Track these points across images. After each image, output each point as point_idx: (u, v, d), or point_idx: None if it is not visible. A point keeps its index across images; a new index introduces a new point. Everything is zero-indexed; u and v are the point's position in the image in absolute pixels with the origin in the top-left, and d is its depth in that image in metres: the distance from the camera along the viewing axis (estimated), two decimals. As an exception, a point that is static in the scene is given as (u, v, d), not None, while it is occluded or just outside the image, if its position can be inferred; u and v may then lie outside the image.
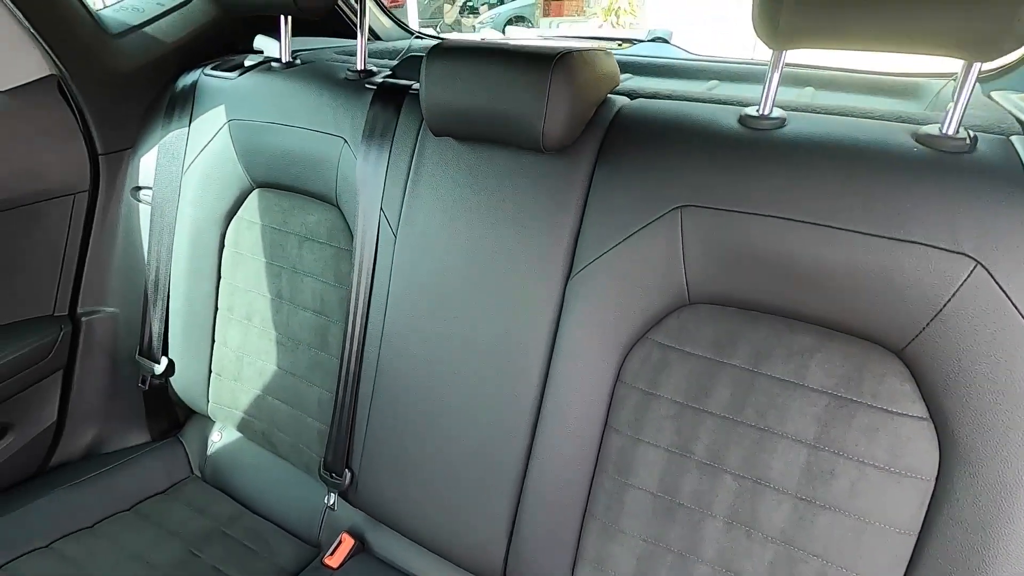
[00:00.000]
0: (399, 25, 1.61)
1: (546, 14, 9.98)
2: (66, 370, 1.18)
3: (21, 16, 0.96)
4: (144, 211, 1.16)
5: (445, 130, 0.81)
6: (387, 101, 0.92)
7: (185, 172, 1.11)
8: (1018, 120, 0.70)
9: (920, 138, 0.64)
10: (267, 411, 1.09)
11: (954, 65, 0.62)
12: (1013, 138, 0.64)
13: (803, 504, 0.67)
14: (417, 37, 1.57)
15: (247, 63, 1.11)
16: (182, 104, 1.12)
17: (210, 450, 1.24)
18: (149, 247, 1.15)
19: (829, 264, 0.63)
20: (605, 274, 0.75)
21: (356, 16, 1.43)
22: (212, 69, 1.12)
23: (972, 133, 0.63)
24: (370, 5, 1.40)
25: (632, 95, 0.85)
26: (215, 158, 1.07)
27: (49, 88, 1.05)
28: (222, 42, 1.23)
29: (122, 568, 0.99)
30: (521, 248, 0.80)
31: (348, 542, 1.02)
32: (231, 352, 1.12)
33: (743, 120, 0.72)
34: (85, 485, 1.13)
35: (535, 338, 0.80)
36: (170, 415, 1.30)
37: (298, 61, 1.09)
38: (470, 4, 10.43)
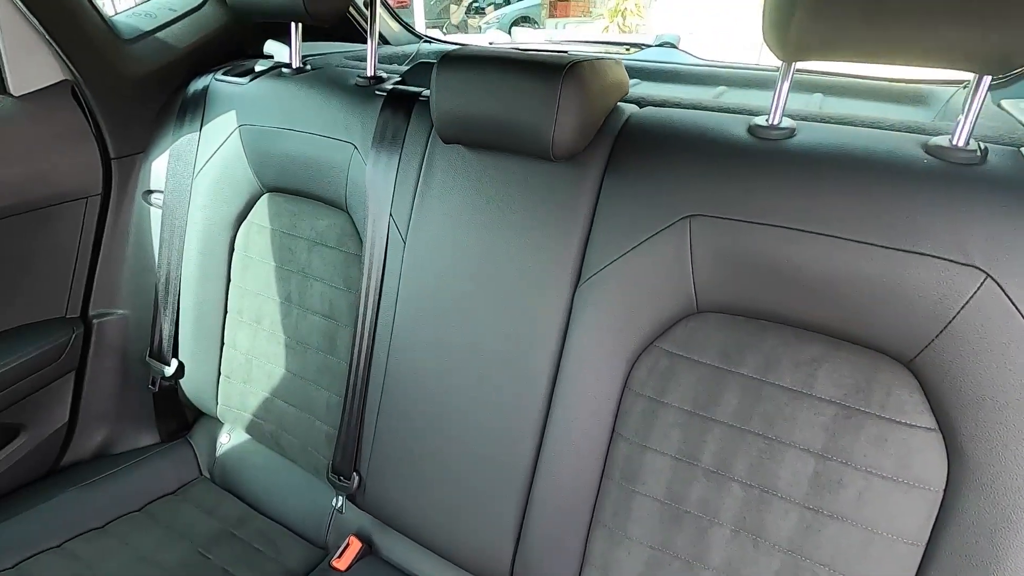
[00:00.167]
0: (407, 29, 1.61)
1: (552, 15, 9.98)
2: (78, 371, 1.19)
3: (36, 22, 0.98)
4: (155, 214, 1.18)
5: (455, 137, 0.82)
6: (397, 108, 0.93)
7: (196, 176, 1.12)
8: None
9: (930, 149, 0.64)
10: (276, 413, 1.10)
11: (963, 72, 0.62)
12: None
13: (810, 513, 0.67)
14: (426, 41, 1.58)
15: (257, 68, 1.12)
16: (193, 109, 1.13)
17: (219, 451, 1.25)
18: (160, 250, 1.16)
19: (838, 275, 0.64)
20: (614, 282, 0.75)
21: (365, 21, 1.45)
22: (223, 74, 1.13)
23: (983, 145, 0.63)
24: (379, 10, 1.41)
25: (641, 103, 0.86)
26: (226, 162, 1.08)
27: (63, 93, 1.06)
28: (232, 47, 1.24)
29: (133, 569, 1.00)
30: (529, 255, 0.80)
31: (356, 545, 1.03)
32: (240, 355, 1.13)
33: (752, 130, 0.72)
34: (96, 485, 1.14)
35: (543, 345, 0.80)
36: (179, 416, 1.31)
37: (308, 67, 1.10)
38: (476, 5, 10.44)
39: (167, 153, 1.14)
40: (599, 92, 0.76)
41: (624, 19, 8.03)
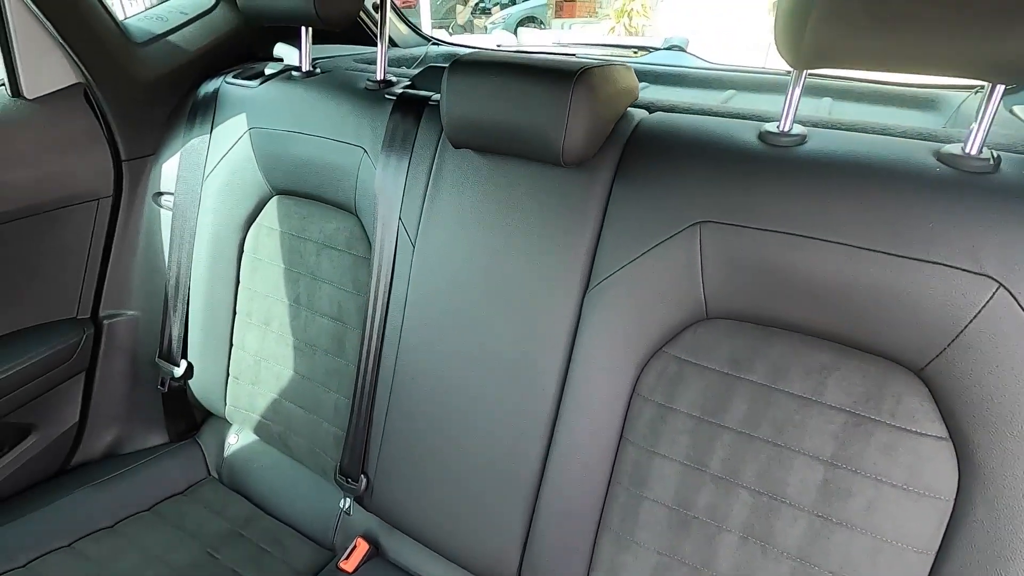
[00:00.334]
0: (415, 31, 1.62)
1: (558, 15, 9.98)
2: (88, 372, 1.20)
3: (50, 26, 0.98)
4: (165, 216, 1.18)
5: (465, 142, 0.82)
6: (407, 112, 0.93)
7: (206, 178, 1.12)
8: None
9: (943, 157, 0.64)
10: (284, 415, 1.11)
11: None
12: None
13: (819, 521, 0.67)
14: (433, 44, 1.58)
15: (267, 71, 1.12)
16: (204, 111, 1.13)
17: (227, 452, 1.26)
18: (170, 252, 1.17)
19: (849, 283, 0.63)
20: (623, 288, 0.75)
21: (373, 23, 1.45)
22: (233, 77, 1.13)
23: (996, 153, 0.63)
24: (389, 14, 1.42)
25: (650, 108, 0.86)
26: (236, 165, 1.09)
27: (75, 96, 1.07)
28: (243, 50, 1.25)
29: (143, 569, 1.00)
30: (539, 260, 0.80)
31: (363, 547, 1.04)
32: (249, 356, 1.13)
33: (763, 136, 0.72)
34: (105, 485, 1.15)
35: (551, 349, 0.80)
36: (188, 417, 1.32)
37: (318, 70, 1.10)
38: (482, 5, 10.45)
39: (178, 155, 1.15)
40: (609, 98, 0.76)
41: (630, 20, 8.02)
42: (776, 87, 1.22)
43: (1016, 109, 0.87)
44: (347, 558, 1.03)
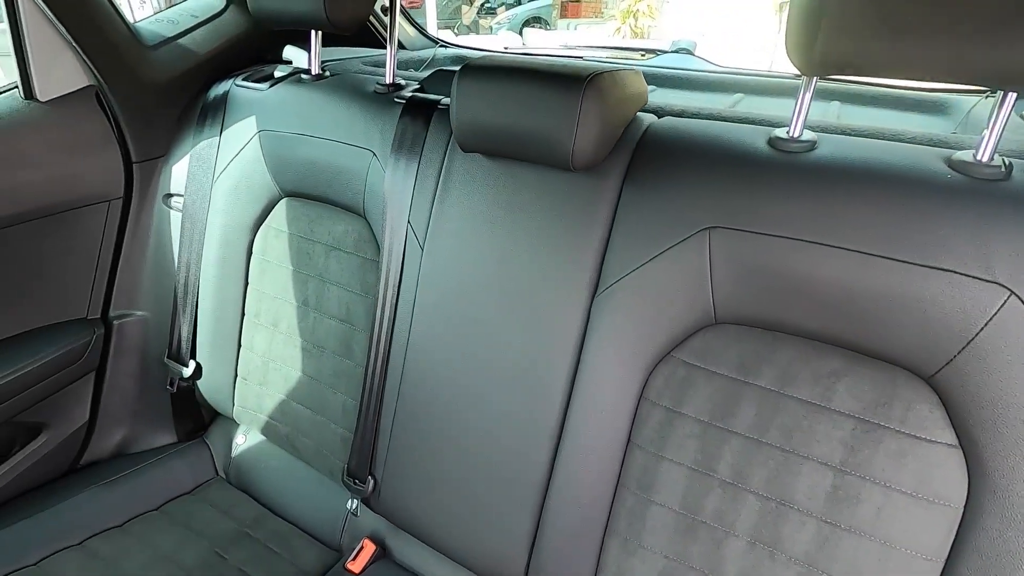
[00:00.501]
0: (423, 34, 1.62)
1: (563, 16, 9.97)
2: (98, 372, 1.21)
3: (64, 30, 0.99)
4: (175, 218, 1.19)
5: (474, 146, 0.83)
6: (416, 115, 0.93)
7: (215, 180, 1.13)
8: None
9: (954, 164, 0.64)
10: (291, 416, 1.11)
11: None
12: None
13: (827, 527, 0.67)
14: (441, 46, 1.59)
15: (277, 74, 1.13)
16: (213, 114, 1.14)
17: (234, 452, 1.27)
18: (179, 253, 1.18)
19: (859, 290, 0.63)
20: (631, 292, 0.75)
21: (382, 26, 1.45)
22: (243, 80, 1.14)
23: (1007, 160, 0.63)
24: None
25: (659, 112, 0.86)
26: (245, 167, 1.09)
27: (87, 98, 1.08)
28: (253, 52, 1.26)
29: (153, 568, 1.01)
30: (547, 264, 0.81)
31: (370, 548, 1.04)
32: (257, 357, 1.14)
33: (773, 142, 0.72)
34: (115, 484, 1.16)
35: (559, 353, 0.81)
36: (196, 417, 1.33)
37: (327, 73, 1.11)
38: (487, 5, 10.45)
39: (187, 157, 1.16)
40: (619, 103, 0.77)
41: (636, 21, 8.01)
42: (784, 90, 1.21)
43: None
44: (354, 559, 1.03)
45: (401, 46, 1.55)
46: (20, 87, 1.02)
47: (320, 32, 1.08)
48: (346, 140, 0.98)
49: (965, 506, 0.61)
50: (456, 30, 9.73)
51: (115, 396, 1.24)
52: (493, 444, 0.86)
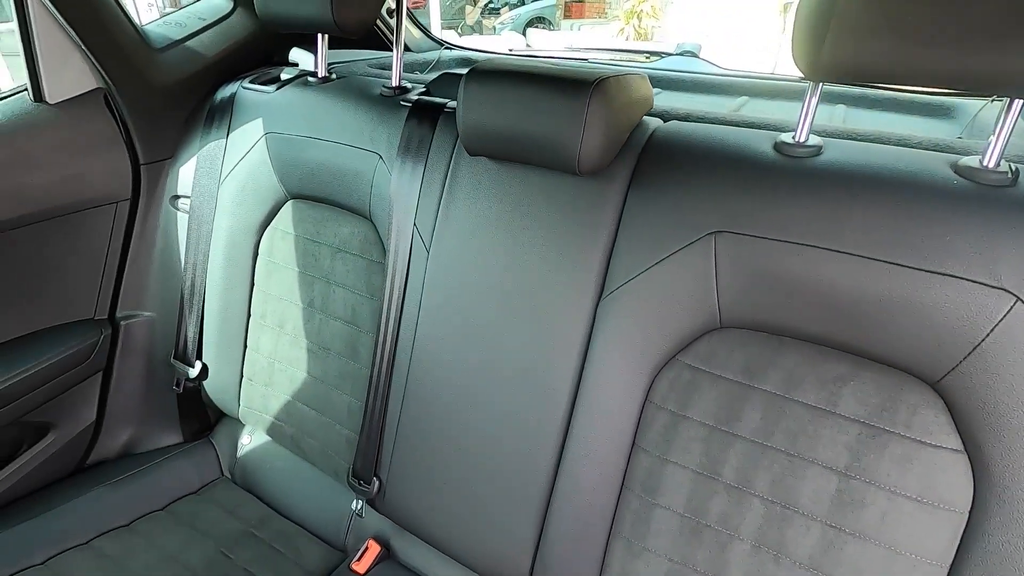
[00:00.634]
0: (428, 36, 1.63)
1: (567, 16, 9.97)
2: (105, 372, 1.22)
3: (73, 33, 1.00)
4: (182, 219, 1.20)
5: (480, 150, 0.83)
6: (422, 119, 0.94)
7: (222, 182, 1.14)
8: None
9: (960, 170, 0.64)
10: (297, 416, 1.12)
11: None
12: None
13: (832, 531, 0.67)
14: (447, 48, 1.59)
15: (283, 76, 1.14)
16: (220, 116, 1.15)
17: (240, 452, 1.27)
18: (186, 254, 1.18)
19: (865, 295, 0.64)
20: (637, 296, 0.76)
21: (387, 28, 1.46)
22: (250, 82, 1.15)
23: (1014, 166, 0.63)
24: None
25: (665, 116, 0.86)
26: (252, 169, 1.10)
27: (96, 101, 1.08)
28: (259, 55, 1.26)
29: (159, 568, 1.02)
30: (553, 267, 0.81)
31: (374, 548, 1.05)
32: (263, 358, 1.15)
33: (778, 147, 0.72)
34: (121, 484, 1.16)
35: (565, 356, 0.81)
36: (202, 417, 1.34)
37: (334, 76, 1.11)
38: (491, 5, 10.46)
39: (194, 159, 1.17)
40: (625, 107, 0.77)
41: (640, 21, 8.00)
42: (789, 93, 1.22)
43: None
44: (359, 559, 1.04)
45: (407, 48, 1.56)
46: (30, 90, 1.03)
47: (327, 35, 1.08)
48: (352, 143, 0.99)
49: (970, 511, 0.62)
50: (460, 30, 9.73)
51: (122, 396, 1.25)
52: (498, 446, 0.87)
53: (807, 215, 0.66)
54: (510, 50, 1.81)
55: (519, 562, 0.87)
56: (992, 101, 1.02)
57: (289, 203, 1.09)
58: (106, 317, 1.21)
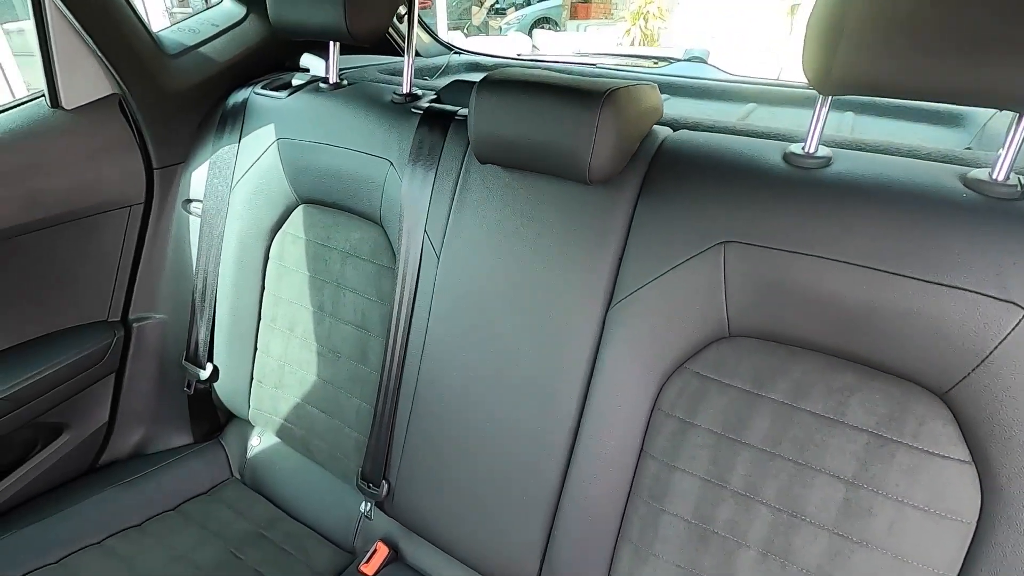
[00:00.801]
0: (436, 40, 1.64)
1: (573, 17, 9.97)
2: (117, 373, 1.23)
3: (89, 39, 1.01)
4: (194, 223, 1.21)
5: (491, 158, 0.84)
6: (433, 126, 0.95)
7: (234, 187, 1.15)
8: None
9: (969, 183, 0.64)
10: (306, 419, 1.13)
11: None
12: None
13: (840, 540, 0.68)
14: (456, 53, 1.60)
15: (295, 82, 1.15)
16: (232, 121, 1.16)
17: (250, 454, 1.29)
18: (198, 257, 1.20)
19: (873, 306, 0.64)
20: (646, 304, 0.76)
21: (397, 34, 1.47)
22: (262, 88, 1.16)
23: (1023, 179, 0.64)
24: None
25: (675, 126, 0.87)
26: (263, 174, 1.11)
27: (110, 106, 1.10)
28: (271, 60, 1.28)
29: (171, 567, 1.03)
30: (562, 275, 0.82)
31: (383, 550, 1.06)
32: (273, 360, 1.16)
33: (788, 158, 0.73)
34: (133, 484, 1.18)
35: (574, 363, 0.82)
36: (212, 418, 1.35)
37: (345, 82, 1.12)
38: (497, 6, 10.47)
39: (207, 164, 1.18)
40: (636, 118, 0.77)
41: (646, 22, 7.99)
42: (797, 100, 1.22)
43: None
44: (367, 561, 1.05)
45: (416, 54, 1.57)
46: (46, 96, 1.04)
47: (338, 42, 1.09)
48: (364, 149, 1.00)
49: (977, 521, 0.62)
50: (466, 31, 9.75)
51: (134, 397, 1.26)
52: (506, 451, 0.88)
53: (816, 226, 0.67)
54: (518, 55, 1.82)
55: (527, 566, 0.88)
56: (1001, 110, 1.02)
57: (300, 208, 1.10)
58: (119, 319, 1.22)
